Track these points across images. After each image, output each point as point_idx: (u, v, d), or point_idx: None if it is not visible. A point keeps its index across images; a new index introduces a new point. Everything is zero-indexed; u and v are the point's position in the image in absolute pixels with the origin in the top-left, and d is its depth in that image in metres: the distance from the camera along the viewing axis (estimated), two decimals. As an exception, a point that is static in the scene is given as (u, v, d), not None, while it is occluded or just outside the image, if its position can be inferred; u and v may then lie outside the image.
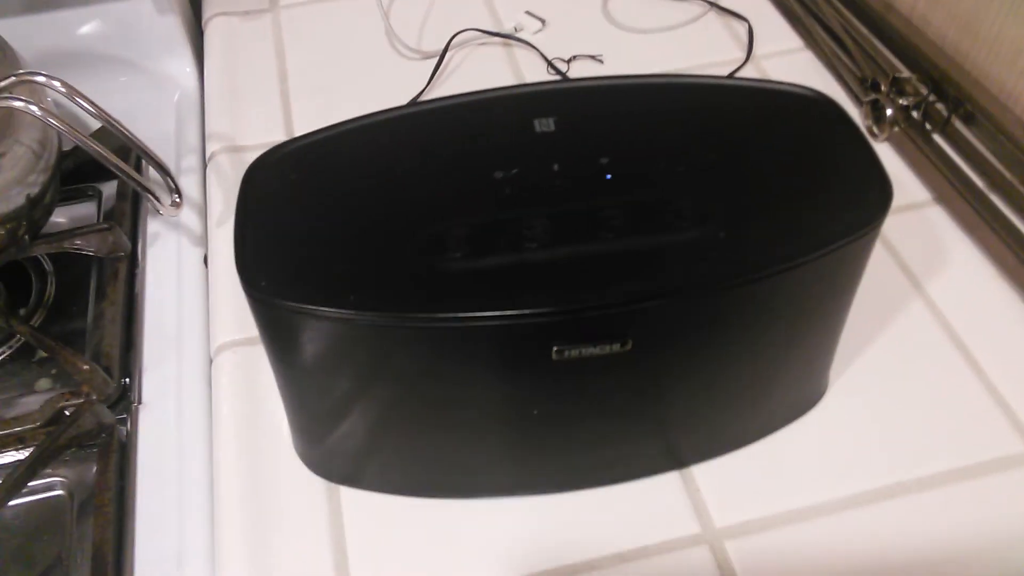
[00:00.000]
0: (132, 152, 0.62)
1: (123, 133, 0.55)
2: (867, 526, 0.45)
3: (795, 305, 0.41)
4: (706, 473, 0.47)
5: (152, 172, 0.60)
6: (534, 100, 0.45)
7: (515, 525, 0.46)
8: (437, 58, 0.71)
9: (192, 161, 0.69)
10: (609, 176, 0.41)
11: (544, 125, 0.44)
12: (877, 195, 0.40)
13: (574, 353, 0.38)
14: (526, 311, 0.36)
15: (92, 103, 0.55)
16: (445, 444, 0.44)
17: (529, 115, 0.44)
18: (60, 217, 0.68)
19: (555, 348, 0.38)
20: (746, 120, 0.44)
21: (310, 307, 0.37)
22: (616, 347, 0.38)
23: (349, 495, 0.47)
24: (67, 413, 0.53)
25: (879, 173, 0.41)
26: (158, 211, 0.56)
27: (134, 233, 0.64)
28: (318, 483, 0.47)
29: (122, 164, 0.53)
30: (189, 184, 0.67)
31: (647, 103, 0.46)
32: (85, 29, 0.75)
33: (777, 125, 0.44)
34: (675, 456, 0.47)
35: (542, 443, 0.44)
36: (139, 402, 0.55)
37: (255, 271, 0.38)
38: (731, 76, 0.69)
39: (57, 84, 0.54)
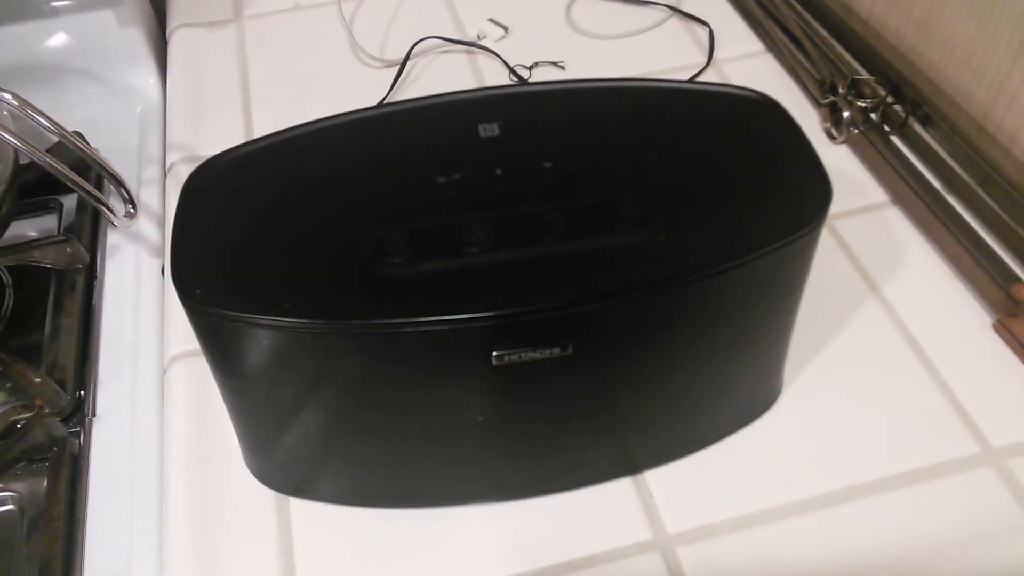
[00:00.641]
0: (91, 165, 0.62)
1: (77, 146, 0.55)
2: (821, 530, 0.45)
3: (738, 306, 0.41)
4: (659, 478, 0.47)
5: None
6: (481, 105, 0.45)
7: (464, 534, 0.45)
8: (399, 66, 0.71)
9: (154, 172, 0.68)
10: (551, 180, 0.41)
11: (489, 130, 0.44)
12: (818, 195, 0.40)
13: (514, 358, 0.38)
14: (463, 316, 0.36)
15: (47, 117, 0.55)
16: (390, 453, 0.44)
17: (475, 120, 0.44)
18: (24, 230, 0.67)
19: (495, 353, 0.38)
20: (690, 123, 0.44)
21: (245, 315, 0.36)
22: (556, 351, 0.38)
23: (298, 506, 0.47)
24: (19, 426, 0.52)
25: (820, 173, 0.41)
26: (112, 222, 0.56)
27: (93, 245, 0.63)
28: (267, 495, 0.47)
29: (74, 176, 0.53)
30: (151, 195, 0.67)
31: (593, 108, 0.46)
32: (49, 42, 0.75)
33: (721, 128, 0.44)
34: (627, 462, 0.47)
35: (488, 451, 0.44)
36: (93, 415, 0.54)
37: (190, 279, 0.38)
38: (691, 81, 0.69)
39: (8, 97, 0.53)
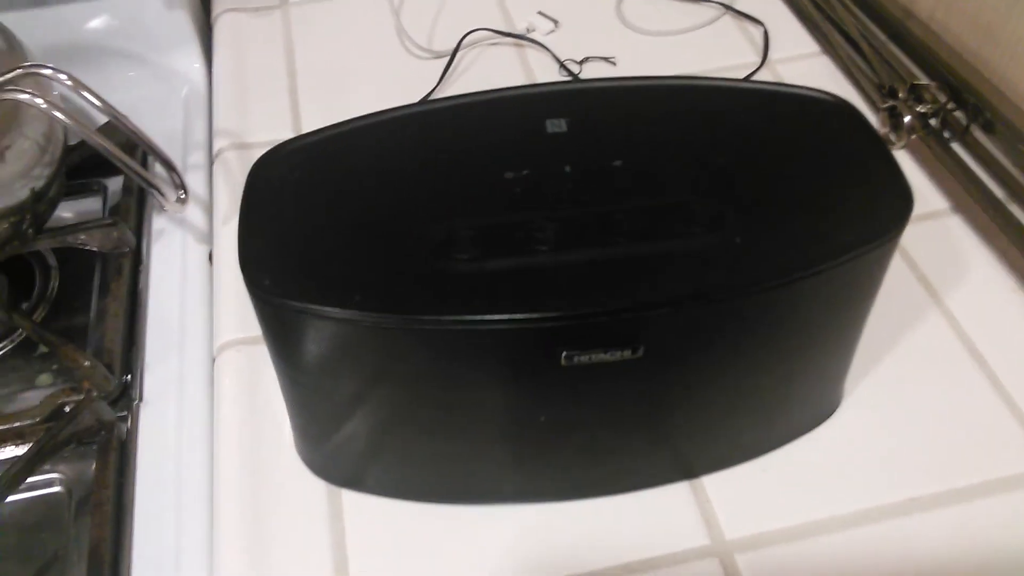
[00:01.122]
0: (138, 148, 0.62)
1: (129, 128, 0.54)
2: (880, 542, 0.44)
3: (811, 314, 0.40)
4: (717, 484, 0.46)
5: (158, 168, 0.59)
6: (546, 100, 0.45)
7: (519, 533, 0.45)
8: (448, 57, 0.70)
9: (199, 157, 0.68)
10: (622, 179, 0.40)
11: (556, 126, 0.43)
12: (897, 203, 0.39)
13: (584, 359, 0.37)
14: (535, 315, 0.36)
15: (98, 97, 0.55)
16: (450, 449, 0.43)
17: (541, 116, 0.43)
18: (65, 212, 0.67)
19: (564, 354, 0.37)
20: (762, 124, 0.43)
21: (314, 306, 0.36)
22: (627, 354, 0.38)
23: (351, 498, 0.46)
24: (67, 409, 0.52)
25: (899, 181, 0.40)
26: (163, 207, 0.55)
27: (139, 229, 0.63)
28: (320, 486, 0.46)
29: (127, 159, 0.52)
30: (195, 181, 0.66)
31: (661, 105, 0.45)
32: (93, 23, 0.74)
33: (794, 129, 0.43)
34: (685, 466, 0.46)
35: (549, 450, 0.43)
36: (140, 400, 0.54)
37: (259, 269, 0.37)
38: (746, 80, 0.68)
39: (63, 77, 0.53)
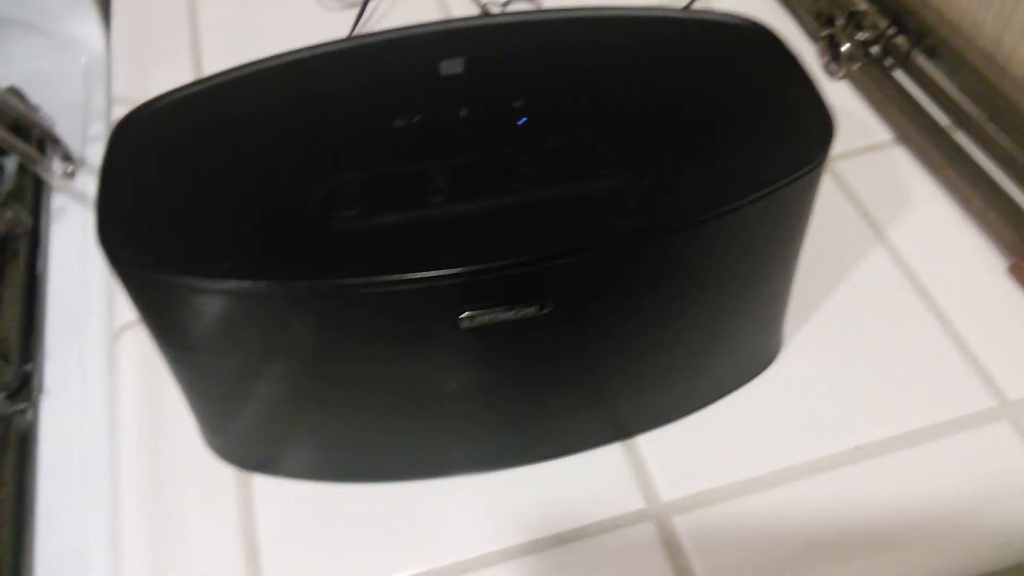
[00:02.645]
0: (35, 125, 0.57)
1: (6, 103, 0.50)
2: (825, 495, 0.42)
3: (733, 256, 0.37)
4: (651, 444, 0.44)
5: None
6: (442, 40, 0.41)
7: (442, 509, 0.42)
8: (359, 7, 0.66)
9: (101, 128, 0.64)
10: (522, 121, 0.37)
11: (451, 67, 0.39)
12: (819, 130, 0.36)
13: (485, 319, 0.34)
14: (425, 273, 0.32)
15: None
16: (355, 424, 0.40)
17: (436, 56, 0.39)
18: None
19: (463, 315, 0.34)
20: (673, 55, 0.40)
21: (177, 277, 0.32)
22: (533, 310, 0.34)
23: (260, 482, 0.43)
24: (-41, 406, 0.49)
25: (820, 105, 0.37)
26: (50, 183, 0.51)
27: (36, 208, 0.59)
28: (227, 471, 0.43)
29: (6, 134, 0.48)
30: (96, 152, 0.62)
31: (567, 40, 0.41)
32: (-15, -9, 0.70)
33: (706, 59, 0.40)
34: (616, 427, 0.43)
35: (464, 420, 0.40)
36: (41, 389, 0.50)
37: (118, 239, 0.33)
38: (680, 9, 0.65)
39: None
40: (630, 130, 0.36)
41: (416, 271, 0.32)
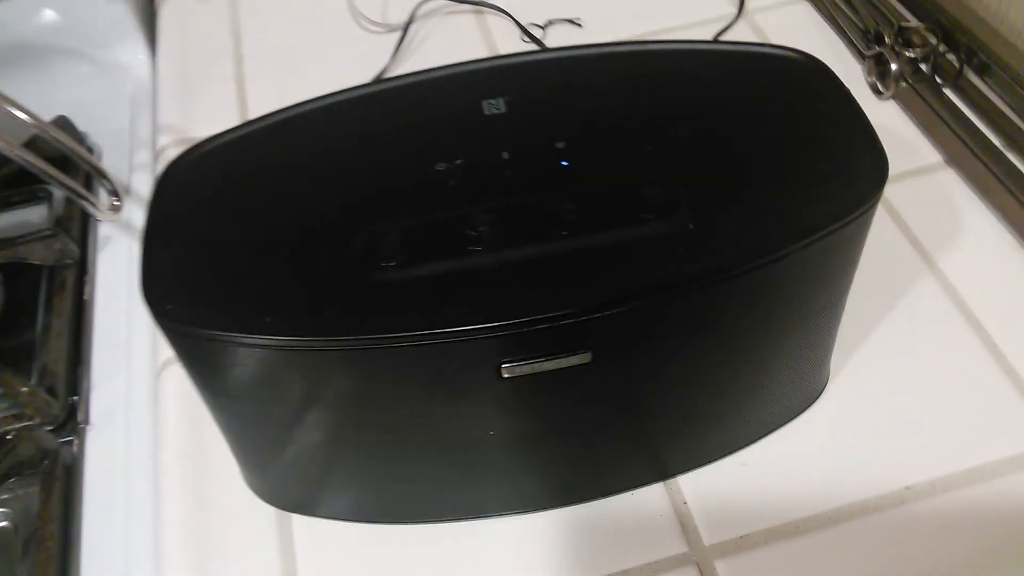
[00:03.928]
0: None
1: (52, 136, 0.51)
2: (874, 538, 0.41)
3: (782, 299, 0.36)
4: (693, 484, 0.43)
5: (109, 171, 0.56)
6: (484, 78, 0.41)
7: (483, 550, 0.42)
8: (401, 31, 0.66)
9: (145, 157, 0.64)
10: (565, 163, 0.36)
11: (494, 107, 0.39)
12: (871, 170, 0.35)
13: (527, 369, 0.34)
14: (466, 328, 0.32)
15: (20, 107, 0.51)
16: (397, 469, 0.40)
17: (478, 96, 0.39)
18: (11, 222, 0.64)
19: (504, 365, 0.33)
20: (723, 91, 0.39)
21: (220, 333, 0.32)
22: (576, 359, 0.34)
23: (301, 523, 0.43)
24: (8, 438, 0.49)
25: (873, 144, 0.36)
26: (96, 216, 0.52)
27: (84, 238, 0.60)
28: (268, 511, 0.44)
29: (50, 170, 0.49)
30: (143, 182, 0.63)
31: (611, 76, 0.41)
32: (31, 20, 0.70)
33: (757, 95, 0.39)
34: (657, 467, 0.43)
35: (503, 462, 0.40)
36: (87, 422, 0.51)
37: (161, 292, 0.34)
38: (720, 35, 0.64)
39: (-24, 85, 0.49)
40: (677, 171, 0.36)
41: (459, 325, 0.32)
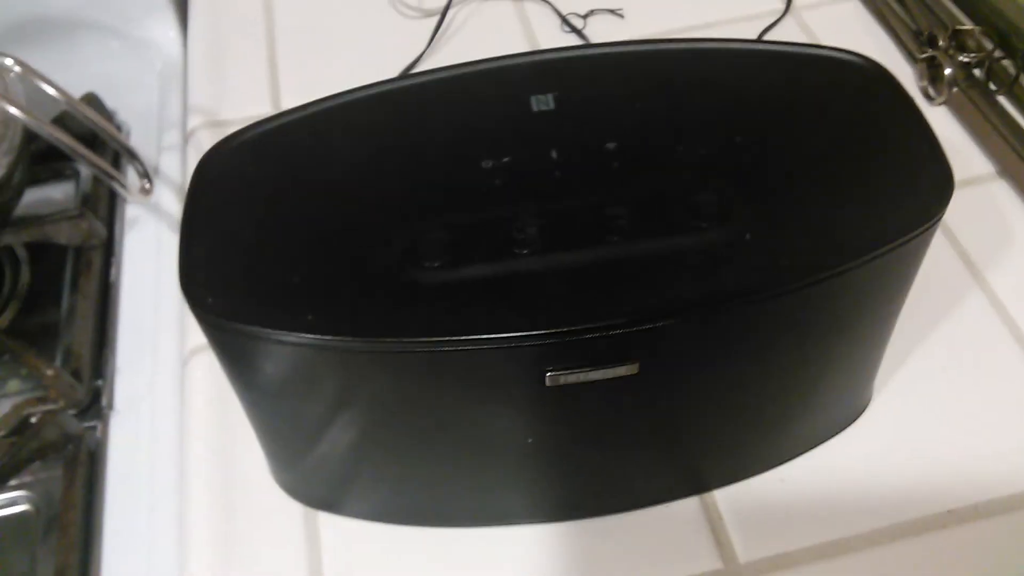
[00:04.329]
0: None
1: (84, 115, 0.50)
2: (914, 561, 0.40)
3: (835, 316, 0.35)
4: (729, 499, 0.42)
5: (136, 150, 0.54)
6: (532, 73, 0.39)
7: (512, 558, 0.41)
8: (438, 17, 0.65)
9: (175, 137, 0.63)
10: (616, 165, 0.35)
11: (542, 103, 0.37)
12: (936, 183, 0.34)
13: (572, 379, 0.33)
14: (512, 334, 0.31)
15: (51, 83, 0.50)
16: (428, 472, 0.39)
17: (526, 91, 0.38)
18: (37, 199, 0.63)
19: (548, 374, 0.32)
20: (779, 95, 0.38)
21: (261, 329, 0.31)
22: (623, 370, 0.33)
23: (328, 521, 0.42)
24: (33, 421, 0.49)
25: (938, 157, 0.34)
26: (126, 199, 0.51)
27: (111, 218, 0.59)
28: (295, 508, 0.43)
29: (81, 150, 0.48)
30: (172, 163, 0.62)
31: (663, 75, 0.39)
32: (62, -6, 0.70)
33: (815, 100, 0.37)
34: (694, 480, 0.42)
35: (540, 470, 0.39)
36: (111, 407, 0.50)
37: (200, 285, 0.33)
38: (767, 31, 0.62)
39: (9, 62, 0.48)
40: (732, 178, 0.34)
41: (505, 331, 0.31)
